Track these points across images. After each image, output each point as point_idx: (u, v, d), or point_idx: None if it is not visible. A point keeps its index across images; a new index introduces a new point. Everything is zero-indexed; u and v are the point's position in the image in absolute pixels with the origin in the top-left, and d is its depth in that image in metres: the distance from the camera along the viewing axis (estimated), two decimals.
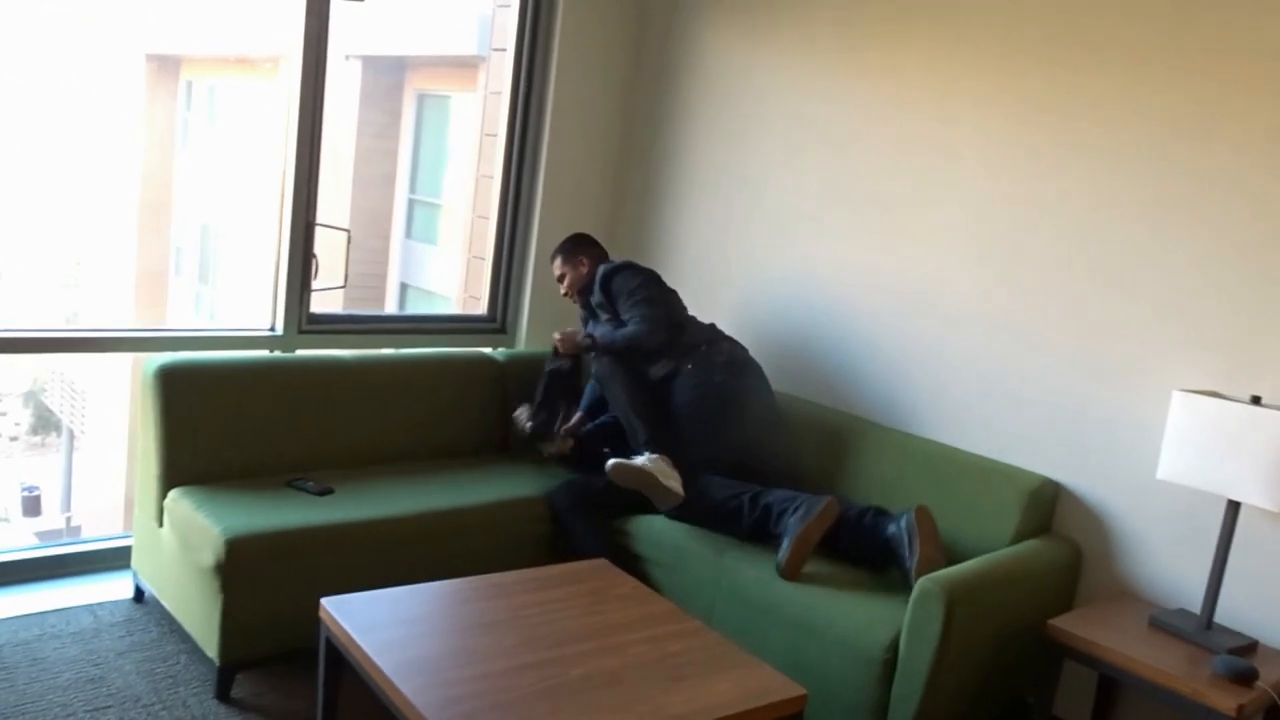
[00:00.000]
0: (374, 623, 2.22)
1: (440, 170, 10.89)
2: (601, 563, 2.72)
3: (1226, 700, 2.21)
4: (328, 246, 3.57)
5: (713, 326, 3.40)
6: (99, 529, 12.56)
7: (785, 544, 2.77)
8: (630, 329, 3.26)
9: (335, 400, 3.24)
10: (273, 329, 3.52)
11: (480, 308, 4.16)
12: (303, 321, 3.54)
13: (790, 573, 2.74)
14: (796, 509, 2.83)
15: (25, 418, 15.13)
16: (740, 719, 2.05)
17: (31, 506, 13.77)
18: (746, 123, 3.74)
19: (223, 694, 2.64)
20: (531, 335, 4.05)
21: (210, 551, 2.59)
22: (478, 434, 3.57)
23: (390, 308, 10.79)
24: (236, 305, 12.33)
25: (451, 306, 10.31)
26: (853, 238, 3.41)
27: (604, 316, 3.41)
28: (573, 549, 3.12)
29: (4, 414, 15.19)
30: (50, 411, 14.86)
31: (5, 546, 3.29)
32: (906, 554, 2.74)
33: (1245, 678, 2.25)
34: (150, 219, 12.74)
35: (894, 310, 3.30)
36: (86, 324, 13.04)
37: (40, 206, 13.26)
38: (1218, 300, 2.62)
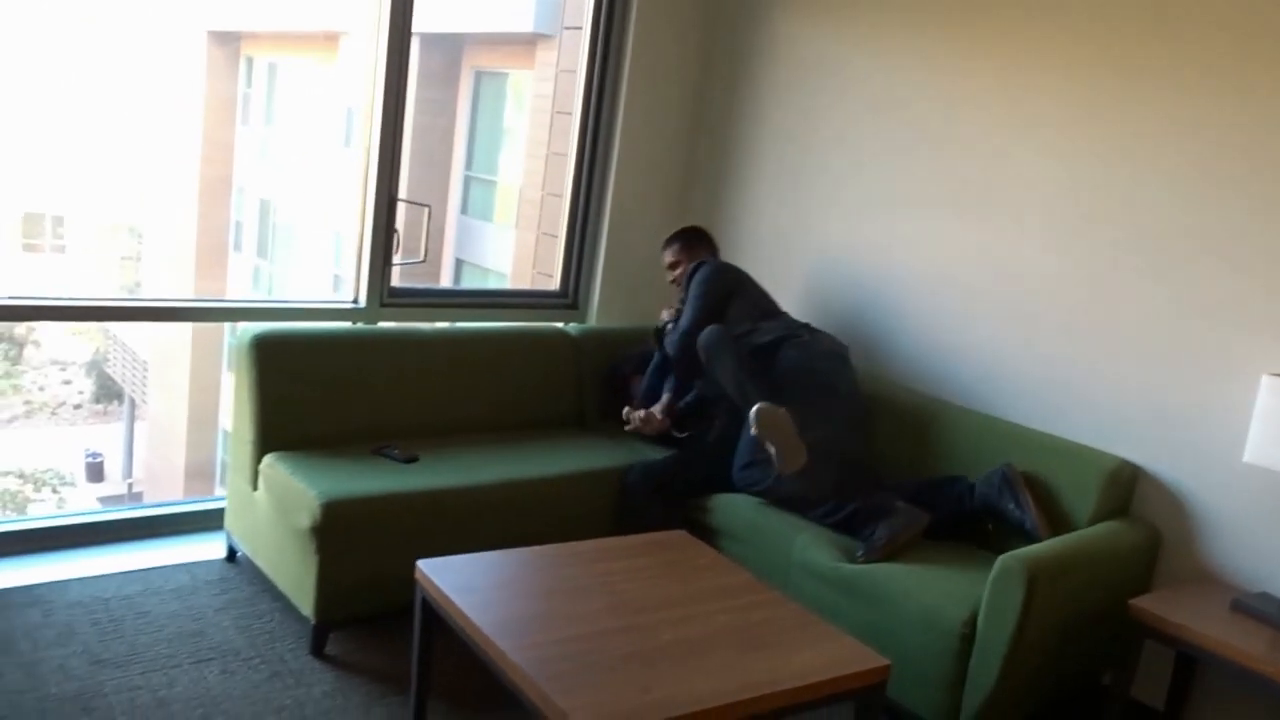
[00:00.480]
0: (469, 585, 2.30)
1: (497, 147, 10.97)
2: (682, 534, 2.78)
3: None
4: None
5: (808, 325, 3.43)
6: (159, 494, 12.92)
7: (870, 547, 2.80)
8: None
9: (417, 371, 3.33)
10: (355, 301, 3.62)
11: (552, 284, 4.23)
12: (384, 295, 3.63)
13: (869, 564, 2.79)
14: (889, 515, 2.84)
15: (88, 386, 15.60)
16: (826, 686, 2.11)
17: (95, 472, 14.20)
18: (818, 99, 3.75)
19: (317, 650, 2.75)
20: (603, 311, 4.11)
21: (306, 514, 2.69)
22: (553, 407, 3.65)
23: (445, 284, 10.92)
24: (295, 280, 12.55)
25: (507, 283, 10.41)
26: (927, 216, 3.42)
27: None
28: (644, 529, 3.17)
29: (69, 382, 15.65)
30: (112, 380, 15.29)
31: (99, 509, 3.44)
32: (1013, 506, 2.81)
33: None
34: (210, 194, 12.99)
35: (971, 290, 3.30)
36: (161, 294, 13.34)
37: (102, 181, 13.57)
38: None
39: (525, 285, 9.38)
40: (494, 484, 2.99)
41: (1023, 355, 3.17)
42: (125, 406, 14.83)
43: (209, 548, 3.31)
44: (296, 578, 2.79)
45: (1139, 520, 2.87)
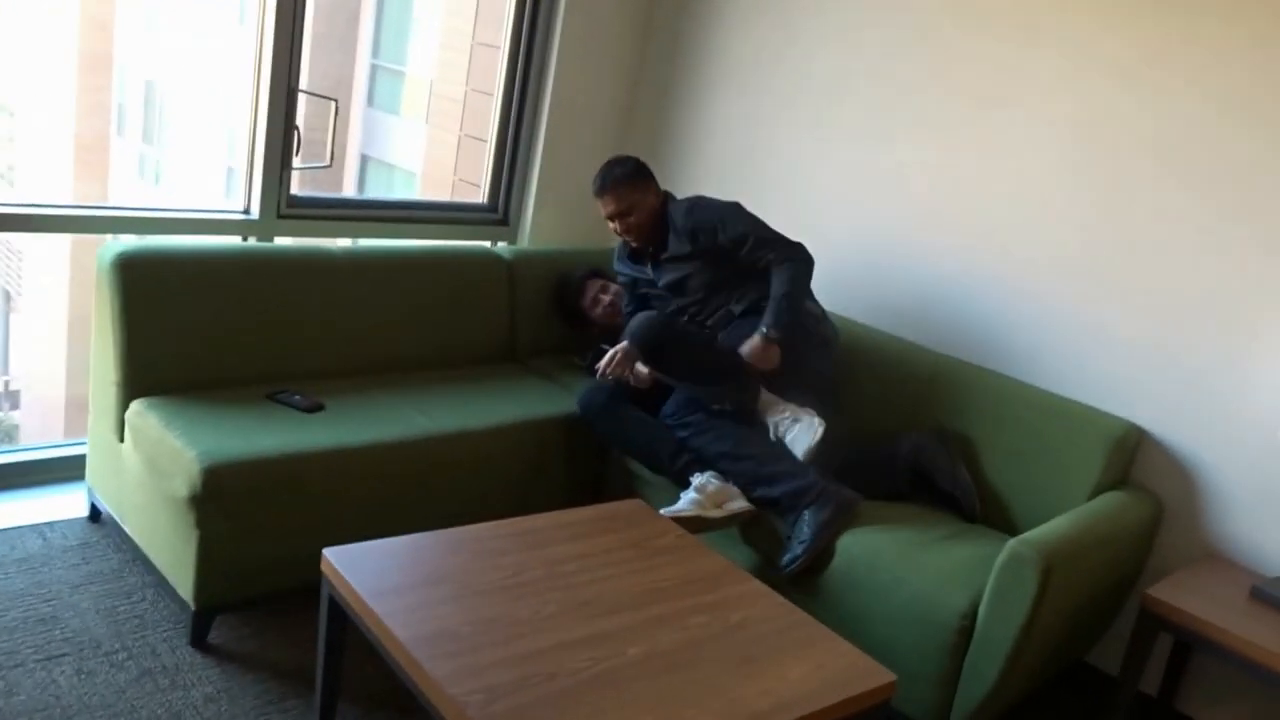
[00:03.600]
0: (388, 582, 1.87)
1: (405, 35, 10.13)
2: (636, 504, 2.39)
3: None
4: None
5: None
6: (39, 395, 12.02)
7: (800, 550, 2.38)
8: (790, 270, 2.67)
9: (321, 299, 2.81)
10: (247, 212, 3.05)
11: (479, 196, 3.70)
12: (282, 204, 3.06)
13: (800, 575, 2.40)
14: (818, 503, 2.41)
15: None
16: (827, 714, 1.76)
17: None
18: None
19: (199, 640, 2.29)
20: (538, 230, 3.61)
21: (184, 480, 2.20)
22: (483, 341, 3.17)
23: (350, 179, 10.17)
24: (184, 168, 11.60)
25: (417, 182, 9.71)
26: (920, 143, 3.00)
27: (679, 272, 2.84)
28: (624, 445, 2.77)
29: None
30: None
31: None
32: (946, 474, 2.56)
33: None
34: (89, 72, 11.86)
35: (967, 228, 2.92)
36: (26, 196, 12.29)
37: None
38: None
39: (440, 187, 8.74)
40: (416, 439, 2.53)
41: (1022, 303, 2.82)
42: None
43: (69, 502, 2.78)
44: (172, 553, 2.31)
45: (1142, 491, 2.59)
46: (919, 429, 2.73)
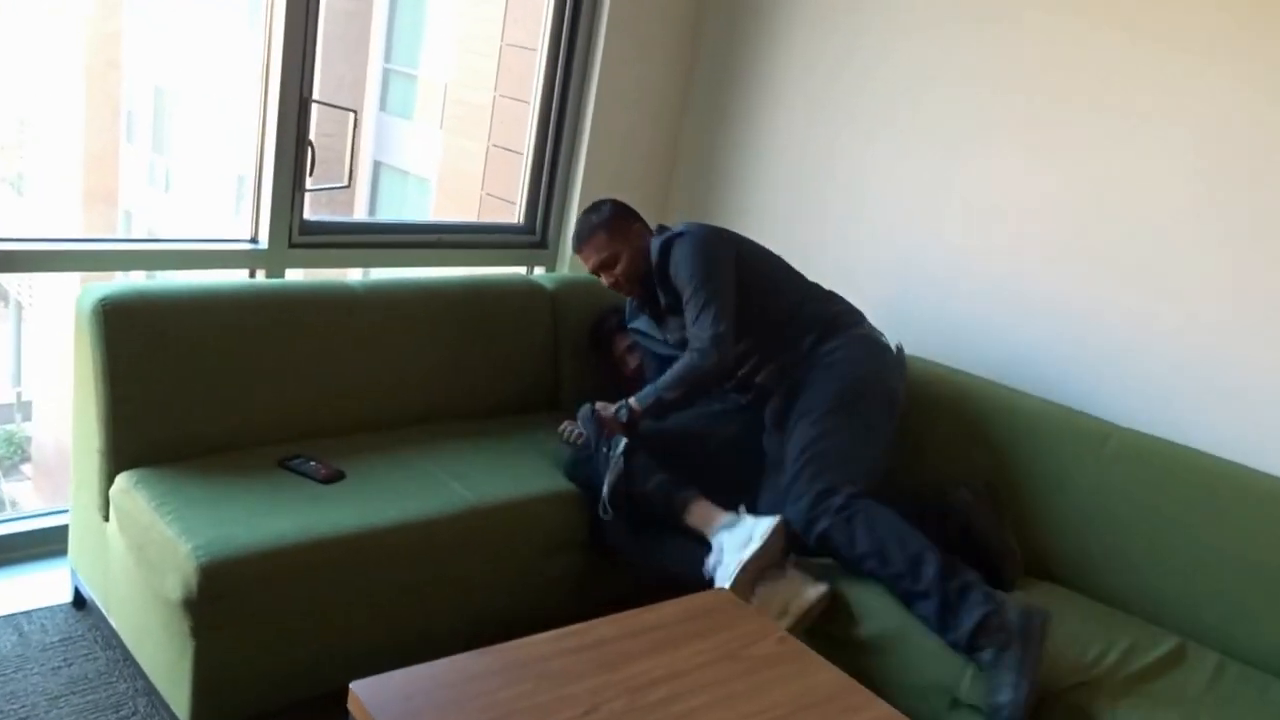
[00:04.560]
0: None
1: (419, 36, 9.77)
2: (723, 595, 1.98)
3: None
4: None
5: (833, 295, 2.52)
6: (51, 408, 11.73)
7: (1008, 695, 1.84)
8: (684, 361, 2.32)
9: (339, 343, 2.41)
10: (254, 241, 2.66)
11: (512, 215, 3.31)
12: (294, 231, 2.68)
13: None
14: (1004, 634, 1.89)
15: None
16: None
17: None
18: None
19: None
20: None
21: (178, 578, 1.81)
22: (521, 384, 2.77)
23: (363, 188, 9.82)
24: (194, 176, 11.32)
25: (431, 189, 9.35)
26: (1037, 154, 2.57)
27: (681, 324, 2.44)
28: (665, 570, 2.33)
29: None
30: None
31: None
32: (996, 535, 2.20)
33: None
34: (98, 80, 11.60)
35: (1115, 263, 2.47)
36: (18, 228, 12.02)
37: None
38: None
39: (460, 198, 8.35)
40: (453, 514, 2.13)
41: (1200, 361, 2.32)
42: (11, 309, 13.51)
43: (52, 582, 2.40)
44: (165, 661, 1.92)
45: None
46: (964, 481, 2.32)
